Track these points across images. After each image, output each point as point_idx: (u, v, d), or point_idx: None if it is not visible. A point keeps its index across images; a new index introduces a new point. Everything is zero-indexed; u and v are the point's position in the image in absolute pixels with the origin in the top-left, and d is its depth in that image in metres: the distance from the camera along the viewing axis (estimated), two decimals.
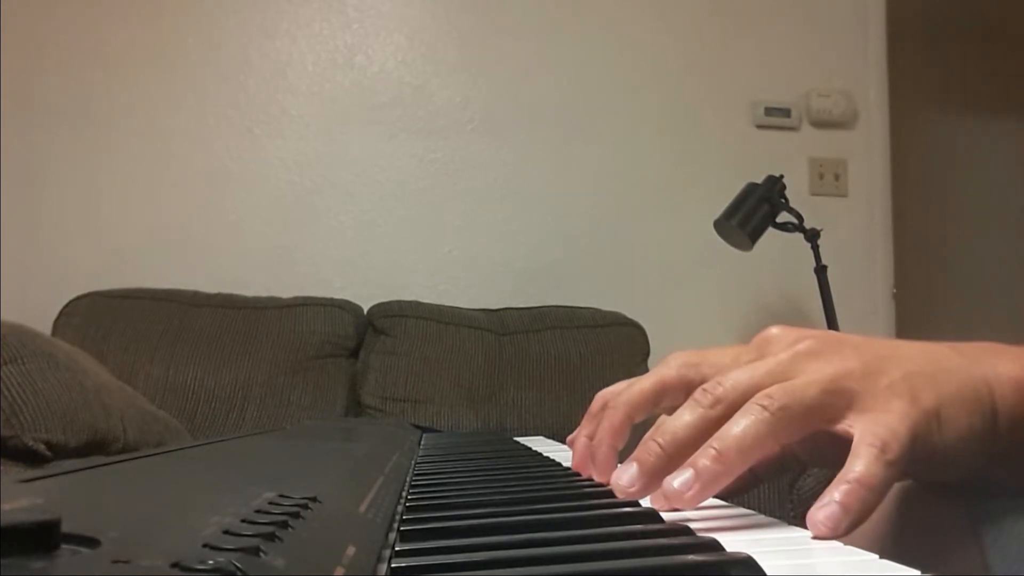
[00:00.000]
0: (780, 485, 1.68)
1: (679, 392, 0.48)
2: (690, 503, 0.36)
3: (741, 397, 0.38)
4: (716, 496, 0.44)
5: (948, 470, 0.38)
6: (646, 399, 0.46)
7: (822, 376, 0.37)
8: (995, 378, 0.39)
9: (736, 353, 0.44)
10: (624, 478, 0.39)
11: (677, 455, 0.38)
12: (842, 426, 0.37)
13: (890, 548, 0.31)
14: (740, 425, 0.36)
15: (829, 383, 0.37)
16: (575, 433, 0.53)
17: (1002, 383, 0.39)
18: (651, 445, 0.39)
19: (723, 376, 0.39)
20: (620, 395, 0.45)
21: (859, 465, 0.34)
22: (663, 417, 0.43)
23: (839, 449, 0.37)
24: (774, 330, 0.41)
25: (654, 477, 0.38)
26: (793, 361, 0.38)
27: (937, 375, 0.38)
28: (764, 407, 0.36)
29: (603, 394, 0.50)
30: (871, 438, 0.35)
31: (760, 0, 2.51)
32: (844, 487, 0.34)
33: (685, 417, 0.39)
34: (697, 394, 0.39)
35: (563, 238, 2.36)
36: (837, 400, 0.37)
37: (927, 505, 0.49)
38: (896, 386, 0.37)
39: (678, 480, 0.37)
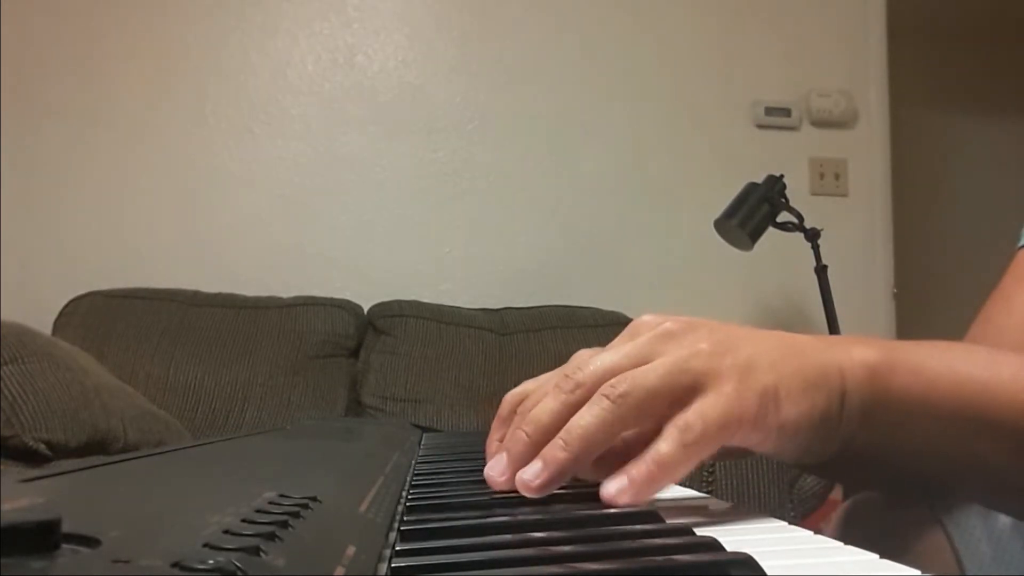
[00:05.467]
0: (780, 485, 1.68)
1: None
2: (540, 491, 0.38)
3: (599, 381, 0.39)
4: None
5: (792, 444, 0.40)
6: None
7: (669, 359, 0.39)
8: (848, 361, 0.41)
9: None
10: (496, 468, 0.40)
11: (543, 441, 0.39)
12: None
13: (862, 546, 0.32)
14: (585, 416, 0.39)
15: (672, 366, 0.39)
16: (489, 438, 0.54)
17: (855, 366, 0.41)
18: (518, 434, 0.41)
19: (585, 362, 0.41)
20: (528, 399, 0.46)
21: (660, 446, 0.37)
22: (530, 401, 0.44)
23: None
24: (646, 317, 0.43)
25: (522, 465, 0.40)
26: (651, 342, 0.40)
27: (784, 357, 0.40)
28: (606, 396, 0.38)
29: (512, 396, 0.50)
30: (677, 420, 0.38)
31: (760, 0, 2.51)
32: (637, 465, 0.37)
33: (549, 404, 0.40)
34: (560, 380, 0.41)
35: (563, 238, 2.36)
36: (682, 380, 0.38)
37: (891, 504, 0.51)
38: (737, 366, 0.39)
39: (528, 472, 0.39)
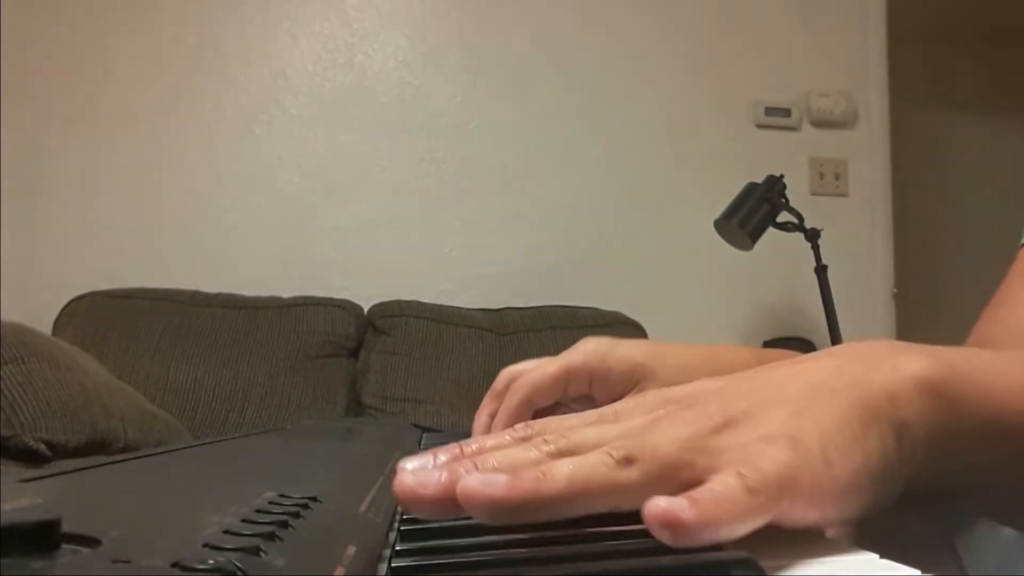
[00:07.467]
0: None
1: (583, 380, 0.48)
2: (507, 502, 0.30)
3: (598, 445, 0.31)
4: None
5: (855, 507, 0.32)
6: (549, 383, 0.44)
7: (682, 434, 0.31)
8: (899, 383, 0.33)
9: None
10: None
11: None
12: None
13: (862, 546, 0.30)
14: (597, 468, 0.30)
15: (686, 441, 0.30)
16: (479, 411, 0.52)
17: (906, 386, 0.33)
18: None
19: (568, 431, 0.33)
20: (524, 375, 0.44)
21: (716, 483, 0.29)
22: (516, 398, 0.42)
23: None
24: (649, 395, 0.35)
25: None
26: (650, 425, 0.32)
27: (819, 406, 0.32)
28: (611, 455, 0.30)
29: (509, 371, 0.49)
30: (730, 468, 0.29)
31: (760, 0, 2.51)
32: (700, 492, 0.28)
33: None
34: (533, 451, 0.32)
35: (563, 238, 2.36)
36: (699, 458, 0.30)
37: (900, 518, 0.50)
38: (772, 435, 0.31)
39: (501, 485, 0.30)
